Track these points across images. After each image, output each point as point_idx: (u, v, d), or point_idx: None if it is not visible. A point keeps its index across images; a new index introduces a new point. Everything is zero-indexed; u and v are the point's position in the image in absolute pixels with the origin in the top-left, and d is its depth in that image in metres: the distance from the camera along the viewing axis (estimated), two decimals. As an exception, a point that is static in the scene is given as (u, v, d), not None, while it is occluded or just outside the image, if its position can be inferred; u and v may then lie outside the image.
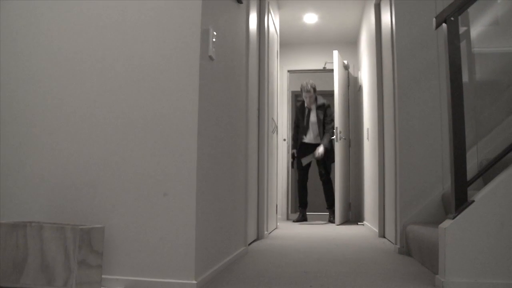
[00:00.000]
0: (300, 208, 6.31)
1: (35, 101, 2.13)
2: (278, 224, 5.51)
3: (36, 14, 2.18)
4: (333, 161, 6.03)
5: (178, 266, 1.94)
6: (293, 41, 7.15)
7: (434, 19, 2.21)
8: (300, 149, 6.23)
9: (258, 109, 4.12)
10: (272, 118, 4.90)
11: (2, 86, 2.16)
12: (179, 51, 2.03)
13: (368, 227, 5.16)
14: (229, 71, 2.68)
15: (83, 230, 1.75)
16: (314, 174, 7.11)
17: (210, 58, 2.20)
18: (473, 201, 1.98)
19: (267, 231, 4.36)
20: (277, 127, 5.29)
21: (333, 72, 7.00)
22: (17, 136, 2.12)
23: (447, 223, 2.01)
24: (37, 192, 2.07)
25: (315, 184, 7.36)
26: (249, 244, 3.67)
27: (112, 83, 2.07)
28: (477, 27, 3.44)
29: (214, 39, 2.22)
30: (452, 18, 2.13)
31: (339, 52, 7.06)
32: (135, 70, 2.06)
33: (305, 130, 6.22)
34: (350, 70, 6.99)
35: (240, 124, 3.06)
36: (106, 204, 2.01)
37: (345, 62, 6.68)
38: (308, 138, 6.24)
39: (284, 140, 7.10)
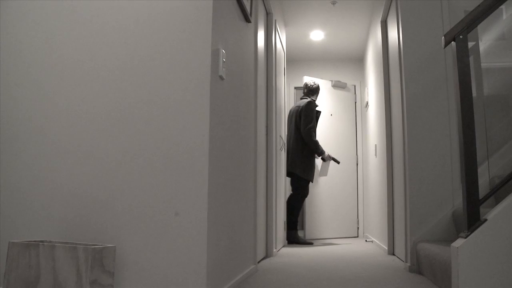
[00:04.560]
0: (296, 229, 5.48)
1: (47, 121, 2.14)
2: (286, 241, 5.48)
3: (40, 23, 2.21)
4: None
5: (190, 285, 1.93)
6: (299, 58, 7.19)
7: (443, 37, 2.22)
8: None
9: (267, 127, 4.13)
10: (280, 136, 4.91)
11: (12, 107, 2.18)
12: (190, 71, 2.05)
13: (377, 244, 5.12)
14: (238, 89, 2.70)
15: (95, 249, 1.75)
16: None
17: (221, 77, 2.22)
18: (485, 220, 1.97)
19: (275, 248, 4.34)
20: (284, 144, 5.29)
21: (340, 89, 7.03)
22: (29, 155, 2.13)
23: (459, 242, 2.00)
24: (49, 211, 2.08)
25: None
26: (259, 262, 3.66)
27: (123, 102, 2.09)
28: (485, 42, 3.46)
29: (224, 59, 2.24)
30: (461, 36, 2.14)
31: (346, 68, 7.10)
32: (146, 90, 2.08)
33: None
34: (357, 86, 7.01)
35: (249, 142, 3.07)
36: (118, 223, 2.02)
37: (341, 80, 6.71)
38: None
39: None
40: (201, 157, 1.99)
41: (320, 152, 5.44)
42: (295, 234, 5.41)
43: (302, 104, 5.49)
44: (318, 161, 6.32)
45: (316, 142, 5.40)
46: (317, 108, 5.71)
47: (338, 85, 6.83)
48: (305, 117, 5.39)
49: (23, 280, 1.79)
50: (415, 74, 3.35)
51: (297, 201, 5.45)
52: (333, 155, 6.06)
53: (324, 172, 5.74)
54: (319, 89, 5.70)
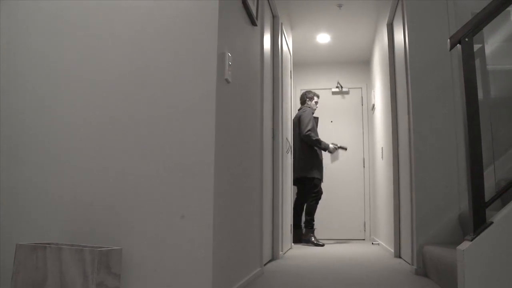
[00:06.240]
0: (313, 229, 5.75)
1: (53, 123, 2.16)
2: (292, 244, 5.48)
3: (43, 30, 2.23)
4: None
5: (195, 288, 1.94)
6: (306, 61, 7.19)
7: (448, 40, 2.21)
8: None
9: (273, 130, 4.13)
10: (287, 138, 4.92)
11: (16, 109, 2.21)
12: (196, 75, 2.06)
13: (383, 247, 5.11)
14: (244, 92, 2.71)
15: (101, 252, 1.76)
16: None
17: (227, 81, 2.23)
18: (491, 223, 1.96)
19: (282, 251, 4.34)
20: (291, 147, 5.30)
21: (345, 93, 7.03)
22: (35, 158, 2.15)
23: (465, 244, 1.99)
24: (56, 214, 2.10)
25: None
26: (265, 265, 3.66)
27: (129, 105, 2.10)
28: (491, 44, 3.45)
29: (230, 62, 2.25)
30: (466, 39, 2.14)
31: (352, 71, 7.10)
32: (152, 93, 2.09)
33: None
34: (363, 89, 7.00)
35: (255, 145, 3.08)
36: (124, 226, 2.03)
37: (342, 85, 6.83)
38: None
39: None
40: (207, 160, 2.00)
41: (324, 148, 5.75)
42: (312, 235, 5.66)
43: (299, 114, 5.89)
44: (325, 157, 6.51)
45: (317, 140, 5.71)
46: (314, 115, 5.98)
47: (340, 92, 6.88)
48: (302, 122, 5.76)
49: (30, 281, 1.80)
50: (421, 77, 3.34)
51: (314, 202, 5.71)
52: (339, 144, 6.17)
53: (334, 158, 6.02)
54: (313, 94, 6.01)
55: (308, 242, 5.63)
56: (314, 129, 5.74)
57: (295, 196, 5.93)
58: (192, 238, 1.97)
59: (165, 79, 2.09)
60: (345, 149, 5.98)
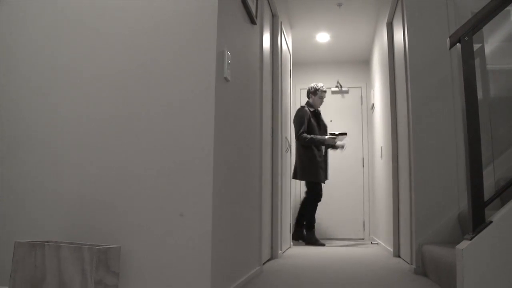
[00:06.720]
0: (312, 229, 5.71)
1: (53, 121, 2.16)
2: (291, 243, 5.48)
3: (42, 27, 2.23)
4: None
5: (194, 286, 1.93)
6: (305, 60, 7.19)
7: (448, 39, 2.21)
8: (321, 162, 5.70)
9: (272, 128, 4.13)
10: (286, 137, 4.91)
11: (15, 106, 2.20)
12: (195, 73, 2.06)
13: (383, 246, 5.11)
14: (243, 91, 2.71)
15: (100, 250, 1.76)
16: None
17: (226, 79, 2.23)
18: (491, 222, 1.96)
19: (281, 250, 4.34)
20: (290, 146, 5.30)
21: (345, 92, 7.03)
22: (35, 156, 2.15)
23: (464, 244, 1.99)
24: (55, 212, 2.09)
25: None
26: (264, 264, 3.66)
27: (128, 104, 2.10)
28: (491, 43, 3.44)
29: (229, 61, 2.25)
30: (466, 38, 2.14)
31: (352, 70, 7.10)
32: (151, 92, 2.09)
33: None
34: (363, 88, 7.00)
35: (254, 144, 3.07)
36: (123, 224, 2.03)
37: (341, 84, 6.78)
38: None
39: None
40: (206, 158, 2.00)
41: (321, 143, 5.58)
42: (313, 236, 5.67)
43: (294, 115, 5.80)
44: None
45: (311, 139, 5.55)
46: (318, 108, 5.86)
47: (339, 91, 6.85)
48: (295, 125, 5.70)
49: (28, 280, 1.80)
50: (420, 76, 3.34)
51: (309, 204, 5.67)
52: (337, 132, 5.90)
53: (341, 143, 5.74)
54: (316, 89, 5.82)
55: (309, 242, 5.66)
56: (313, 129, 5.63)
57: (305, 195, 5.82)
58: (191, 236, 1.96)
59: (164, 77, 2.09)
60: (345, 134, 5.68)
